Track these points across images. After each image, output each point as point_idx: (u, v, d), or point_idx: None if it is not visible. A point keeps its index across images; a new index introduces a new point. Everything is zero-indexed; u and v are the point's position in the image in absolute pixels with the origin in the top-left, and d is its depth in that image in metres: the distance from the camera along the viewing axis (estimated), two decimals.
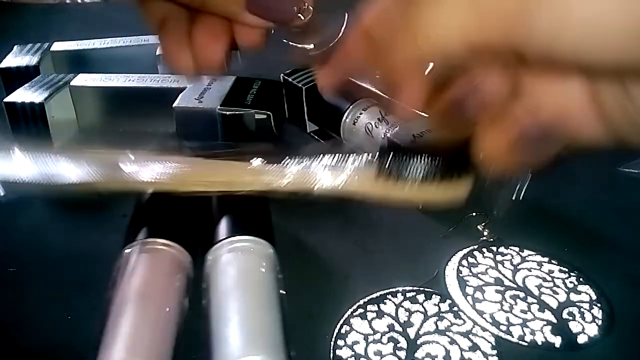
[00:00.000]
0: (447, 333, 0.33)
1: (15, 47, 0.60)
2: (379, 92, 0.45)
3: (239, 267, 0.33)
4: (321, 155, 0.29)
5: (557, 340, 0.32)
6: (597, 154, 0.22)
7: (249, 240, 0.34)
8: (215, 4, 0.28)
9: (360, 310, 0.34)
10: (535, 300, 0.35)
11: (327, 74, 0.26)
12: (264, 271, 0.33)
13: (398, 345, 0.32)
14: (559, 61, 0.19)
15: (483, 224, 0.40)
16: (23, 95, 0.50)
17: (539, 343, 0.32)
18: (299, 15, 0.27)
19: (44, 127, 0.49)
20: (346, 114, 0.47)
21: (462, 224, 0.40)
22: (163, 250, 0.34)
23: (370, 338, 0.33)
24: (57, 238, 0.41)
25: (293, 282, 0.34)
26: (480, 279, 0.36)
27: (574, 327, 0.33)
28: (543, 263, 0.37)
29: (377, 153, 0.28)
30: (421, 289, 0.36)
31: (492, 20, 0.19)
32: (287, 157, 0.29)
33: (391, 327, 0.33)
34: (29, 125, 0.49)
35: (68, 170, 0.29)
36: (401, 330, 0.33)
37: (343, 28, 0.27)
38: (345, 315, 0.34)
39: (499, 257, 0.38)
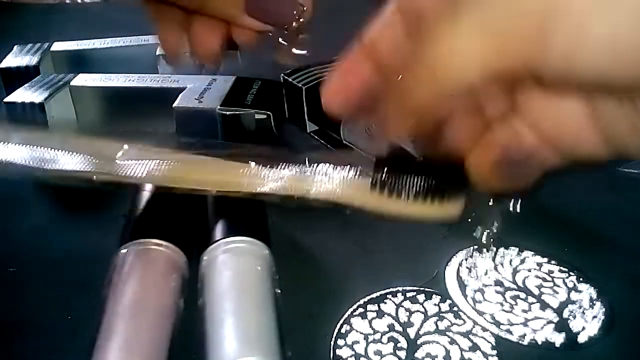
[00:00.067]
0: (447, 333, 0.33)
1: (15, 47, 0.59)
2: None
3: (235, 268, 0.33)
4: (318, 163, 0.29)
5: (557, 340, 0.33)
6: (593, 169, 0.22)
7: (244, 241, 0.34)
8: (213, 7, 0.28)
9: (361, 310, 0.34)
10: (535, 300, 0.35)
11: (334, 91, 0.25)
12: (259, 272, 0.33)
13: (398, 345, 0.32)
14: (576, 81, 0.18)
15: (483, 226, 0.40)
16: (23, 95, 0.50)
17: (539, 343, 0.32)
18: (298, 17, 0.27)
19: (44, 127, 0.49)
20: None
21: (462, 224, 0.40)
22: (158, 250, 0.34)
23: (371, 338, 0.33)
24: (57, 238, 0.41)
25: (293, 282, 0.34)
26: (480, 279, 0.36)
27: (574, 326, 0.33)
28: (542, 263, 0.37)
29: (374, 164, 0.28)
30: (421, 289, 0.36)
31: (511, 45, 0.18)
32: (284, 162, 0.29)
33: (391, 327, 0.33)
34: (29, 125, 0.49)
35: (62, 157, 0.28)
36: (401, 330, 0.33)
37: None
38: (346, 315, 0.34)
39: (498, 258, 0.38)
